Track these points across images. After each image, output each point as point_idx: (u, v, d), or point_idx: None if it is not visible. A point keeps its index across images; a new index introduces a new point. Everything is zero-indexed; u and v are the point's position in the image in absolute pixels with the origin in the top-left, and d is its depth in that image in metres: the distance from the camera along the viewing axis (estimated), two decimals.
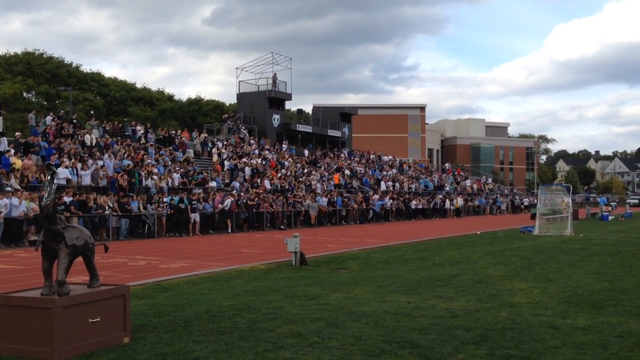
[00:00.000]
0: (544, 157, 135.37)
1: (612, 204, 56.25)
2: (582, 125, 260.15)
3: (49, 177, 6.42)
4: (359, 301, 9.11)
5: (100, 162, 24.95)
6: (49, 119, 28.98)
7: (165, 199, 24.11)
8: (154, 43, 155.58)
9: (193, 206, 24.48)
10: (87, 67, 69.78)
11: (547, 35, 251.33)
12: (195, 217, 24.55)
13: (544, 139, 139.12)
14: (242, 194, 28.16)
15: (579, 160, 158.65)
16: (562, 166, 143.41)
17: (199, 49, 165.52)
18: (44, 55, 60.89)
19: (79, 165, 23.80)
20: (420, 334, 6.88)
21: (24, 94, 57.27)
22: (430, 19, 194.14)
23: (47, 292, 6.10)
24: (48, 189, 6.30)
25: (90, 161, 24.67)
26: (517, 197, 61.67)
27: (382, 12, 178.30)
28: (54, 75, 59.12)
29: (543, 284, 11.00)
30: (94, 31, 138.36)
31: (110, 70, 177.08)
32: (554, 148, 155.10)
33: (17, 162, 22.06)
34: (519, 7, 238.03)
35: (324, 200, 32.07)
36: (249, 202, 27.23)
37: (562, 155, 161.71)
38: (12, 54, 60.66)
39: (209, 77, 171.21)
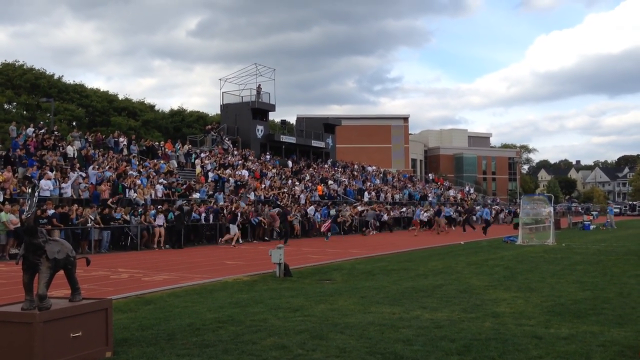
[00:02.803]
0: (526, 167, 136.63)
1: (594, 213, 56.82)
2: (563, 136, 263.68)
3: (29, 191, 6.36)
4: (343, 312, 9.09)
5: (82, 174, 24.74)
6: (30, 130, 28.70)
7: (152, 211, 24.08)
8: (139, 55, 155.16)
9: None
10: (71, 78, 69.03)
11: (529, 47, 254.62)
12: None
13: (525, 149, 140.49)
14: (227, 205, 28.04)
15: (561, 170, 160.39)
16: (543, 176, 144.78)
17: (184, 60, 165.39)
18: (24, 67, 60.34)
19: (60, 177, 23.58)
20: (405, 345, 6.89)
21: (5, 106, 56.62)
22: (413, 32, 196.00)
23: (27, 306, 6.02)
24: (29, 202, 6.24)
25: (71, 173, 24.44)
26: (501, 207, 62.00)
27: (366, 25, 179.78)
28: (34, 86, 58.58)
29: (526, 293, 11.07)
30: (79, 43, 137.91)
31: (96, 82, 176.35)
32: (536, 158, 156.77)
33: None
34: (501, 19, 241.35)
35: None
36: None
37: (544, 165, 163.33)
38: None
39: (194, 89, 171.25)
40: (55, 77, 62.72)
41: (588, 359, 6.34)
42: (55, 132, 30.77)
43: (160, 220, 23.25)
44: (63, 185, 23.38)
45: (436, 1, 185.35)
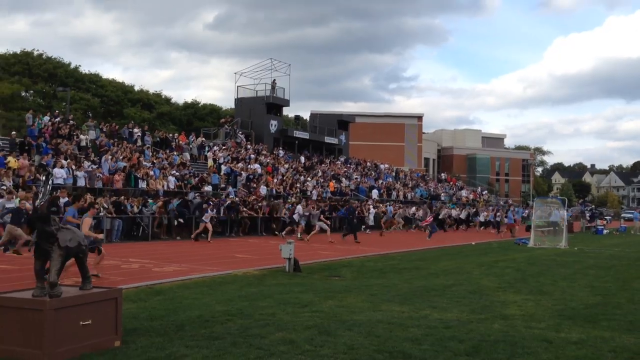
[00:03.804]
0: (539, 170, 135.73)
1: (607, 217, 56.28)
2: (578, 139, 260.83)
3: (43, 178, 6.40)
4: (352, 309, 9.08)
5: (95, 165, 24.90)
6: (46, 119, 28.93)
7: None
8: (156, 47, 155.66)
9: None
10: (89, 68, 69.49)
11: (547, 48, 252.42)
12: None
13: (540, 151, 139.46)
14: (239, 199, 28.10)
15: (575, 173, 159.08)
16: (557, 179, 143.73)
17: (201, 53, 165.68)
18: (43, 56, 60.88)
19: (74, 166, 23.75)
20: (413, 344, 6.86)
21: (22, 94, 57.21)
22: (431, 31, 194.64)
23: (38, 293, 6.06)
24: (42, 189, 6.28)
25: (86, 162, 24.61)
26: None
27: (384, 23, 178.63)
28: (52, 75, 59.10)
29: (537, 296, 10.99)
30: (98, 34, 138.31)
31: (113, 72, 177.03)
32: (550, 160, 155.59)
33: (12, 162, 21.98)
34: (520, 20, 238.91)
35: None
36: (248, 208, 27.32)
37: (558, 167, 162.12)
38: (11, 53, 60.62)
39: (210, 82, 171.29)
40: (72, 66, 63.22)
41: None
42: (71, 121, 31.00)
43: (208, 216, 23.16)
44: (77, 173, 23.54)
45: (455, 0, 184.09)
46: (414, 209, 39.76)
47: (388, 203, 39.15)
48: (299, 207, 27.11)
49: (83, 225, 11.79)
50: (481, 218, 40.17)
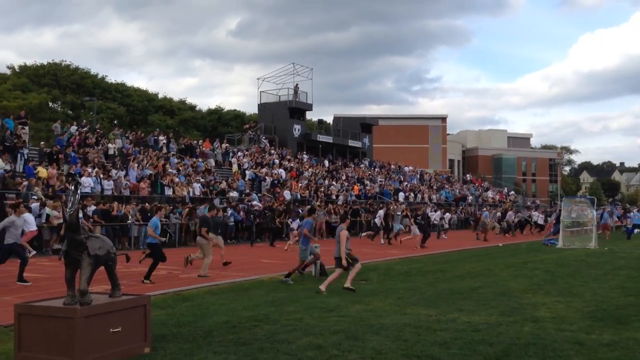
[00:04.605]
0: (567, 169, 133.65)
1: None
2: (607, 137, 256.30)
3: (72, 187, 6.50)
4: (378, 313, 9.04)
5: (122, 172, 25.23)
6: (73, 128, 29.41)
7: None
8: (180, 55, 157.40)
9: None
10: (115, 78, 70.14)
11: (572, 46, 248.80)
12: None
13: (567, 150, 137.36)
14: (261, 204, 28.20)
15: (603, 172, 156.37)
16: (586, 178, 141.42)
17: (224, 60, 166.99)
18: (71, 67, 61.93)
19: (102, 174, 24.10)
20: (441, 348, 6.80)
21: (50, 104, 58.24)
22: (454, 32, 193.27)
23: (69, 301, 6.15)
24: (72, 198, 6.38)
25: (113, 170, 24.95)
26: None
27: (405, 25, 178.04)
28: (79, 86, 60.08)
29: (567, 298, 10.82)
30: (123, 44, 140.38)
31: (138, 81, 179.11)
32: (578, 159, 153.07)
33: (42, 171, 22.39)
34: (544, 18, 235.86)
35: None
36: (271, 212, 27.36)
37: (586, 166, 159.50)
38: (39, 65, 61.78)
39: (233, 89, 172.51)
40: (99, 76, 64.21)
41: None
42: (98, 130, 31.46)
43: (296, 223, 23.01)
44: (105, 182, 23.88)
45: (477, 0, 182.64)
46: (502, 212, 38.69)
47: (484, 208, 39.07)
48: (380, 212, 27.23)
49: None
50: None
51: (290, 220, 23.08)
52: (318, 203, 31.95)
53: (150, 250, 13.59)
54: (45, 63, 62.02)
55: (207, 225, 14.63)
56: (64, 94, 59.20)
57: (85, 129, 30.26)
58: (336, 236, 12.01)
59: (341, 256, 11.58)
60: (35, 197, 19.86)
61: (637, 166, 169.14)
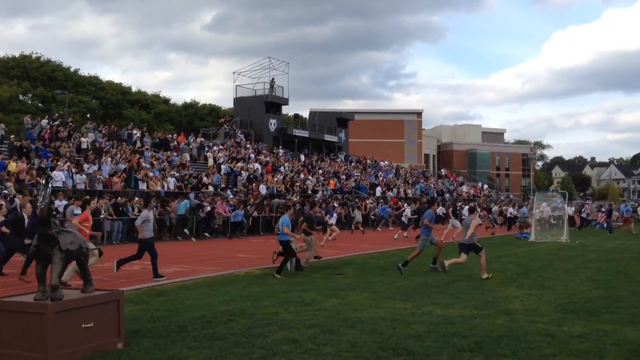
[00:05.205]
0: (539, 164, 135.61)
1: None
2: (578, 132, 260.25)
3: (43, 182, 6.39)
4: (354, 307, 9.07)
5: (95, 167, 24.87)
6: (44, 122, 28.90)
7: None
8: (155, 48, 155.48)
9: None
10: (87, 71, 69.22)
11: (545, 42, 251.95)
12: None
13: (540, 145, 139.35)
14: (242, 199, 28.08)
15: (575, 167, 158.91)
16: (558, 172, 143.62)
17: (199, 54, 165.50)
18: (41, 59, 60.80)
19: (74, 169, 23.73)
20: (416, 341, 6.85)
21: (20, 97, 57.13)
22: (429, 28, 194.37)
23: (40, 297, 6.06)
24: (43, 193, 6.27)
25: (85, 165, 24.58)
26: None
27: (382, 20, 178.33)
28: (50, 79, 59.02)
29: (539, 290, 10.99)
30: (96, 37, 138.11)
31: (112, 75, 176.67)
32: (550, 154, 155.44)
33: (12, 165, 21.97)
34: (518, 15, 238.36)
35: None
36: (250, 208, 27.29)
37: (558, 161, 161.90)
38: (10, 57, 60.54)
39: (208, 83, 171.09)
40: (72, 69, 63.16)
41: (602, 357, 6.28)
42: (70, 124, 30.96)
43: (334, 218, 22.89)
44: (77, 176, 23.51)
45: None
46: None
47: (526, 203, 38.92)
48: (408, 210, 27.07)
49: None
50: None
51: (329, 215, 22.43)
52: (295, 198, 31.94)
53: (282, 248, 13.65)
54: (17, 55, 60.85)
55: (311, 222, 15.24)
56: (34, 86, 58.12)
57: (56, 122, 29.75)
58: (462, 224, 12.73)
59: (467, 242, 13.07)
60: (7, 191, 19.49)
61: (607, 161, 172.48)
